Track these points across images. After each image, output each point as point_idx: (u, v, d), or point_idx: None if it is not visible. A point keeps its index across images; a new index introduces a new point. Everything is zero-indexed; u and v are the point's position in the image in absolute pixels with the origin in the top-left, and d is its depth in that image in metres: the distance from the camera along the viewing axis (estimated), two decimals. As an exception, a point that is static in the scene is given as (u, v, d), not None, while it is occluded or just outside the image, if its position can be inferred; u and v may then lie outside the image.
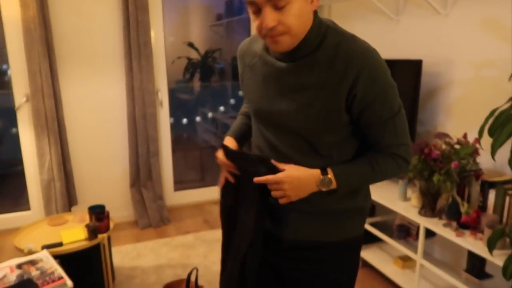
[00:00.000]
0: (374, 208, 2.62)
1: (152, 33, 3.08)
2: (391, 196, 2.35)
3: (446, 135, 2.10)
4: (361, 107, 0.95)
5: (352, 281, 1.14)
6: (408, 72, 2.33)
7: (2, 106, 4.35)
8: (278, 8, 0.88)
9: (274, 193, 0.99)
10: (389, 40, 2.73)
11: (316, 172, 0.98)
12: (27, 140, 2.89)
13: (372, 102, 0.93)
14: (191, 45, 3.82)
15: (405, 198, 2.28)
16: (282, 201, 0.99)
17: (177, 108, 3.99)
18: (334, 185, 0.98)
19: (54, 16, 2.77)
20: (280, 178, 0.97)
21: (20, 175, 3.02)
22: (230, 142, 1.20)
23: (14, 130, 3.23)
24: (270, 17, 0.88)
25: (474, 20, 2.13)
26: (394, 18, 2.63)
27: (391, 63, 2.50)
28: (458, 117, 2.29)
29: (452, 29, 2.26)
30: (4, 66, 4.63)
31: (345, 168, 1.00)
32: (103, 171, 3.14)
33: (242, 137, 1.25)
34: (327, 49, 0.94)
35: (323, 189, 0.98)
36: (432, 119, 2.45)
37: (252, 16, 0.94)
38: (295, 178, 0.97)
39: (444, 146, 2.03)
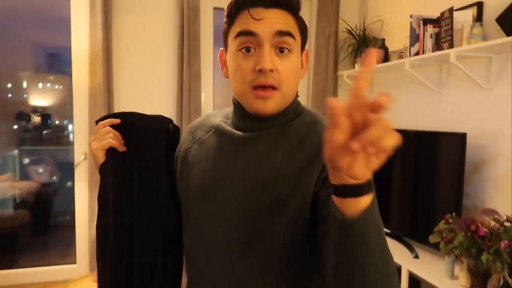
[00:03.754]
0: (419, 285, 2.49)
1: (202, 97, 3.30)
2: (437, 272, 2.24)
3: (494, 212, 2.02)
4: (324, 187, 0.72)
5: None
6: (453, 144, 2.32)
7: (61, 160, 4.72)
8: (280, 49, 0.74)
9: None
10: (432, 112, 2.75)
11: None
12: (81, 195, 3.07)
13: None
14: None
15: (452, 276, 2.17)
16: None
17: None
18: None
19: (117, 84, 3.06)
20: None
21: (70, 227, 3.19)
22: None
23: (69, 183, 3.47)
24: (270, 57, 0.72)
25: (519, 96, 2.13)
26: (436, 90, 2.68)
27: (435, 136, 2.50)
28: (506, 192, 2.21)
29: (496, 103, 2.26)
30: (65, 122, 5.06)
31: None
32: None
33: None
34: (302, 125, 0.80)
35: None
36: (479, 192, 2.37)
37: (238, 57, 0.76)
38: None
39: (492, 223, 1.95)
